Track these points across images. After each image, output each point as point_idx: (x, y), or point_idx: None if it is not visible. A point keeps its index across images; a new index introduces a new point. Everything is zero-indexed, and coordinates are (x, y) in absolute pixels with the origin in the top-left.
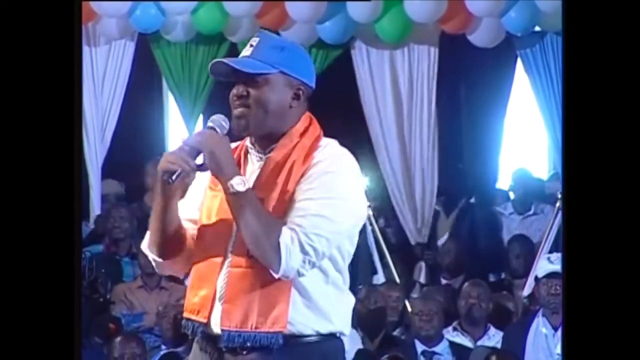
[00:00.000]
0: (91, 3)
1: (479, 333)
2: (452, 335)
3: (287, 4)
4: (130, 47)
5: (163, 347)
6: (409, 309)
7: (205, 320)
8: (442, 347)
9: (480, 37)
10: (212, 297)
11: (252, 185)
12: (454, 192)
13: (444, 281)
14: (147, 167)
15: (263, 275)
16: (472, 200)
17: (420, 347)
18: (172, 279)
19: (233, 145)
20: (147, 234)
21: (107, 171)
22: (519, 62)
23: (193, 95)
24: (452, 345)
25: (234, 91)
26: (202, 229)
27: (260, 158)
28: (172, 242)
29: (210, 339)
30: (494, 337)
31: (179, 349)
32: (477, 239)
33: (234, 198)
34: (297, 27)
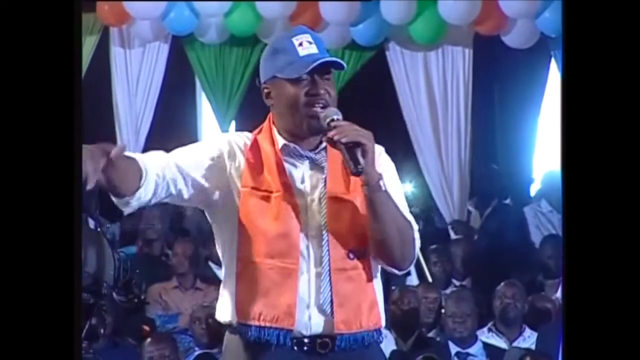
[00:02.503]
0: (125, 5)
1: (514, 334)
2: (487, 336)
3: (320, 5)
4: (164, 49)
5: (197, 348)
6: (443, 310)
7: (292, 327)
8: (476, 349)
9: (514, 38)
10: (295, 302)
11: (323, 185)
12: (488, 193)
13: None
14: None
15: (362, 275)
16: (507, 201)
17: (454, 348)
18: (207, 280)
19: (241, 140)
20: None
21: None
22: (553, 63)
23: (227, 97)
24: (486, 346)
25: (316, 90)
26: (254, 233)
27: (308, 157)
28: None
29: (298, 344)
30: (529, 339)
31: (214, 350)
32: (509, 238)
33: (381, 195)
34: (330, 29)
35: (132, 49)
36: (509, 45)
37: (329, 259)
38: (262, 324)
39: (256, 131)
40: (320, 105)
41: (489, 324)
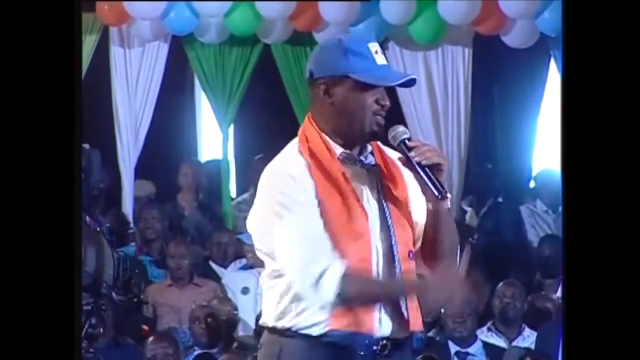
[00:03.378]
0: (125, 5)
1: (514, 333)
2: (486, 335)
3: (320, 5)
4: (164, 49)
5: (196, 347)
6: (442, 310)
7: (371, 331)
8: (475, 348)
9: (514, 38)
10: (371, 308)
11: (380, 188)
12: (484, 192)
13: None
14: (180, 168)
15: (415, 275)
16: (503, 200)
17: (453, 348)
18: (205, 275)
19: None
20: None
21: (140, 172)
22: (552, 63)
23: (226, 97)
24: (486, 346)
25: (384, 101)
26: (331, 239)
27: (361, 162)
28: None
29: (371, 346)
30: (528, 338)
31: (214, 350)
32: (506, 237)
33: (446, 211)
34: (330, 28)
35: (131, 48)
36: (509, 45)
37: (399, 260)
38: (346, 328)
39: (302, 141)
40: (382, 115)
41: (488, 323)
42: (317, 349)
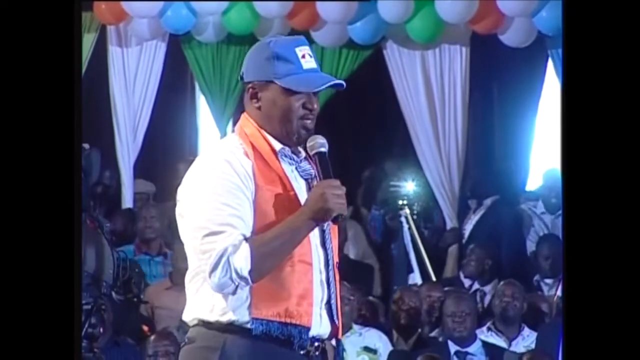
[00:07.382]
0: (123, 3)
1: (513, 333)
2: (486, 335)
3: (318, 4)
4: (162, 47)
5: None
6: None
7: (309, 326)
8: (475, 348)
9: (511, 36)
10: (312, 302)
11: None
12: (482, 192)
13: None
14: (178, 166)
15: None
16: (502, 200)
17: (453, 347)
18: None
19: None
20: (253, 259)
21: (139, 171)
22: (550, 62)
23: (224, 96)
24: (486, 345)
25: (311, 105)
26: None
27: (297, 163)
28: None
29: (309, 343)
30: (528, 338)
31: None
32: (505, 238)
33: None
34: (328, 27)
35: (129, 47)
36: (506, 44)
37: (334, 264)
38: (286, 320)
39: (241, 135)
40: (311, 119)
41: (488, 323)
42: (260, 344)
